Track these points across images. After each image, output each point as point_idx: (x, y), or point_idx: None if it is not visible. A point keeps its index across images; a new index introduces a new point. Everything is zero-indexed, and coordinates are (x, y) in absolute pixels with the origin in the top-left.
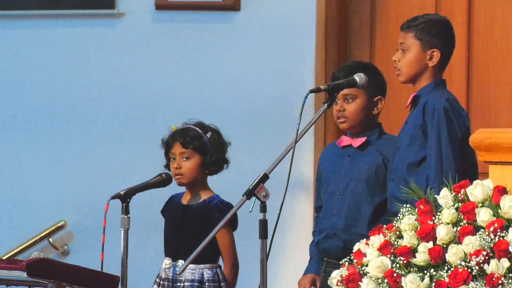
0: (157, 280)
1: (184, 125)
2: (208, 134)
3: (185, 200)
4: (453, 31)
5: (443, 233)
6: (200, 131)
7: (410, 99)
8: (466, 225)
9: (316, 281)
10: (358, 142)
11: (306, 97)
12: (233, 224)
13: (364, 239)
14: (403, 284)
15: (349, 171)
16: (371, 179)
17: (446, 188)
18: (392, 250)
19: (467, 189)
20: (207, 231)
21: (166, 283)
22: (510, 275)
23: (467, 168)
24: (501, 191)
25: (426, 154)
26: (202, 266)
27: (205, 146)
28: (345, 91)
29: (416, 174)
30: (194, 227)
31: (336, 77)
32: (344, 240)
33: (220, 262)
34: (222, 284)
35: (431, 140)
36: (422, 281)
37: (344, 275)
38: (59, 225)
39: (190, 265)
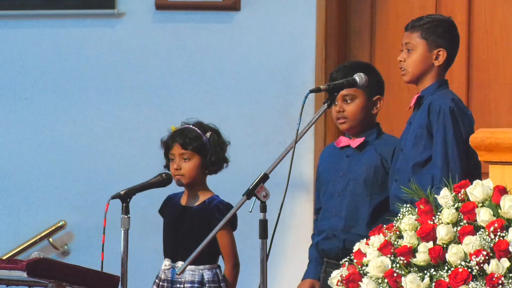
0: (156, 281)
1: (183, 125)
2: (208, 134)
3: (184, 200)
4: (458, 32)
5: (443, 233)
6: (199, 131)
7: (414, 100)
8: (466, 225)
9: (315, 286)
10: (356, 142)
11: (306, 97)
12: (233, 224)
13: (364, 239)
14: (403, 284)
15: (348, 172)
16: (369, 180)
17: (446, 188)
18: (392, 250)
19: (467, 189)
20: (207, 232)
21: (165, 284)
22: (510, 275)
23: (471, 169)
24: (501, 191)
25: (432, 154)
26: (201, 267)
27: (204, 147)
28: (343, 91)
29: (422, 174)
30: (194, 228)
31: (334, 78)
32: (344, 241)
33: (220, 262)
34: (222, 284)
35: (437, 140)
36: (422, 281)
37: (344, 275)
38: (59, 225)
39: (190, 266)
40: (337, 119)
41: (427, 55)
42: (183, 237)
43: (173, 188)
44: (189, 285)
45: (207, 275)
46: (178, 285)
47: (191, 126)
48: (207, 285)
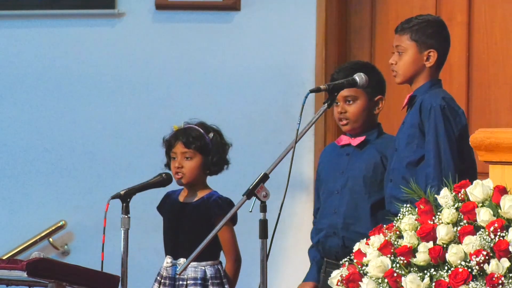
0: (158, 278)
1: (186, 125)
2: (210, 135)
3: (182, 197)
4: (448, 31)
5: (443, 233)
6: (202, 131)
7: (406, 100)
8: (466, 225)
9: None
10: (357, 141)
11: (306, 97)
12: (233, 219)
13: (364, 239)
14: (403, 284)
15: (347, 170)
16: (368, 177)
17: (446, 188)
18: (392, 250)
19: (467, 189)
20: (207, 227)
21: (167, 281)
22: (510, 275)
23: (466, 168)
24: (501, 191)
25: (425, 152)
26: (203, 263)
27: (207, 147)
28: (345, 92)
29: (415, 173)
30: (194, 225)
31: (335, 79)
32: (344, 238)
33: (222, 258)
34: (224, 280)
35: (429, 138)
36: (422, 281)
37: (344, 275)
38: (59, 225)
39: (192, 263)
40: (339, 120)
41: (417, 56)
42: (183, 234)
43: (173, 187)
44: (192, 281)
45: (209, 271)
46: (181, 282)
47: (194, 125)
48: (210, 281)
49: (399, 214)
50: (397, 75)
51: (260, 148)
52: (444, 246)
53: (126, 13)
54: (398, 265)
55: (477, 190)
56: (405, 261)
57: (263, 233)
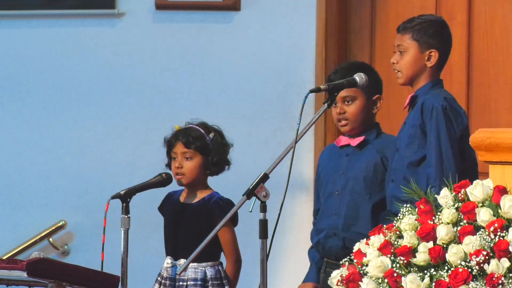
0: (159, 279)
1: (187, 125)
2: (211, 135)
3: (183, 198)
4: (450, 31)
5: (443, 233)
6: (203, 131)
7: (408, 100)
8: (466, 225)
9: None
10: (356, 141)
11: (306, 97)
12: (233, 220)
13: (364, 239)
14: (403, 284)
15: (347, 170)
16: (369, 178)
17: (446, 188)
18: (392, 250)
19: (467, 189)
20: (208, 229)
21: (168, 282)
22: (510, 275)
23: (467, 167)
24: (501, 191)
25: (426, 153)
26: (204, 264)
27: (207, 147)
28: (343, 93)
29: (417, 174)
30: (194, 226)
31: (332, 80)
32: (344, 239)
33: (222, 259)
34: (224, 281)
35: (431, 139)
36: (422, 281)
37: (344, 275)
38: (59, 225)
39: (192, 264)
40: (338, 120)
41: (419, 56)
42: (183, 235)
43: (173, 187)
44: (192, 282)
45: (209, 272)
46: (181, 283)
47: (195, 126)
48: (210, 282)
49: (399, 214)
50: (400, 76)
51: (260, 148)
52: (444, 246)
53: (126, 13)
54: (398, 265)
55: (477, 190)
56: (405, 261)
57: (263, 233)
